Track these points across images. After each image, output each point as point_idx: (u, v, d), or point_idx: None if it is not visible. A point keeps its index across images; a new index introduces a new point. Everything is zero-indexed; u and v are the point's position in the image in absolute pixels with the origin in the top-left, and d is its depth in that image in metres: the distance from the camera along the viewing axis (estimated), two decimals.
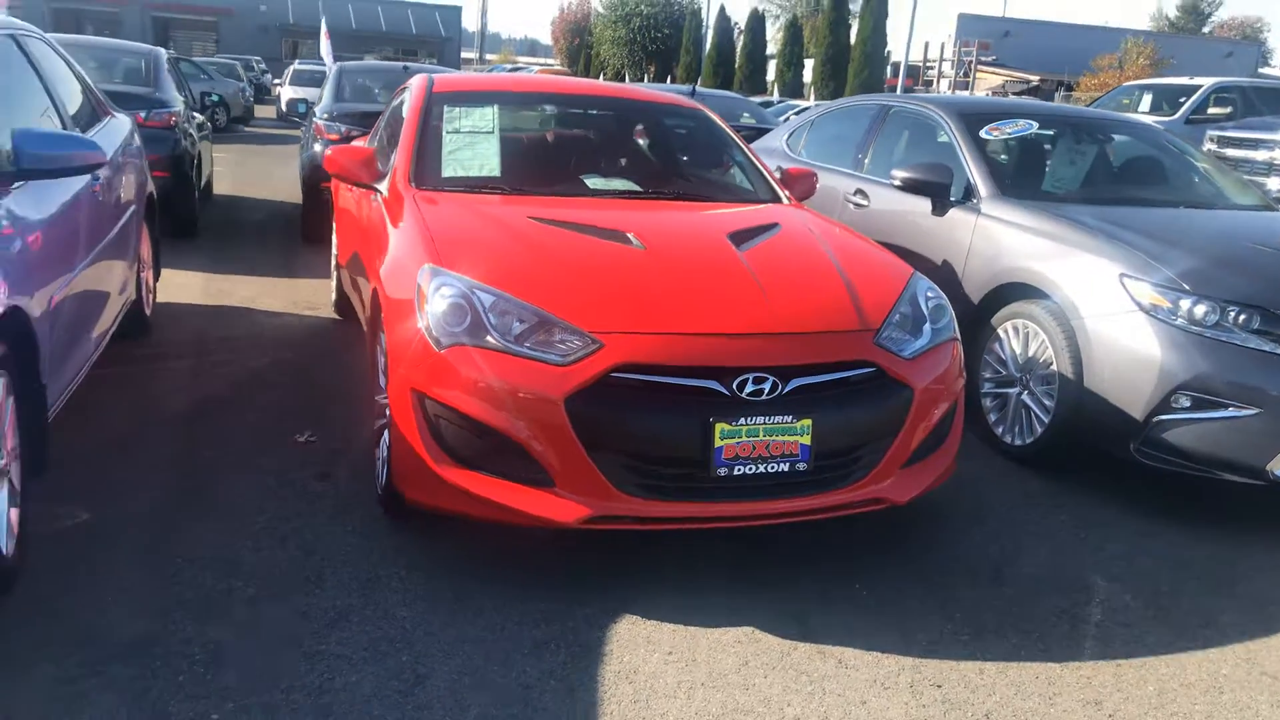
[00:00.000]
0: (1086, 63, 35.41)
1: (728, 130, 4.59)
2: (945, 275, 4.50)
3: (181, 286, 5.92)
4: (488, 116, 4.14)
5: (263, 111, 25.41)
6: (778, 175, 4.36)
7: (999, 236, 4.32)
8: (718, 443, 2.65)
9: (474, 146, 3.99)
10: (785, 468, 2.73)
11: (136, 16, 43.66)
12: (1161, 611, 2.90)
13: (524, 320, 2.73)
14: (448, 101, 4.16)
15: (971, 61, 37.38)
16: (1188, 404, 3.44)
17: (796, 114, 7.49)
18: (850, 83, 33.71)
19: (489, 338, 2.69)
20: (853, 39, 35.74)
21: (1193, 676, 2.58)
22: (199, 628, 2.43)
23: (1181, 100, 13.81)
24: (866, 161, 5.58)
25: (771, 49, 42.39)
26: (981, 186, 4.59)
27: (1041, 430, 3.88)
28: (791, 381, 2.74)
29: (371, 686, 2.27)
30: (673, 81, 35.87)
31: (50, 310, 2.82)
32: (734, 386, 2.68)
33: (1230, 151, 9.88)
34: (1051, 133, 5.37)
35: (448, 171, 3.80)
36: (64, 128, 3.67)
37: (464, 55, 53.18)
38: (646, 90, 5.69)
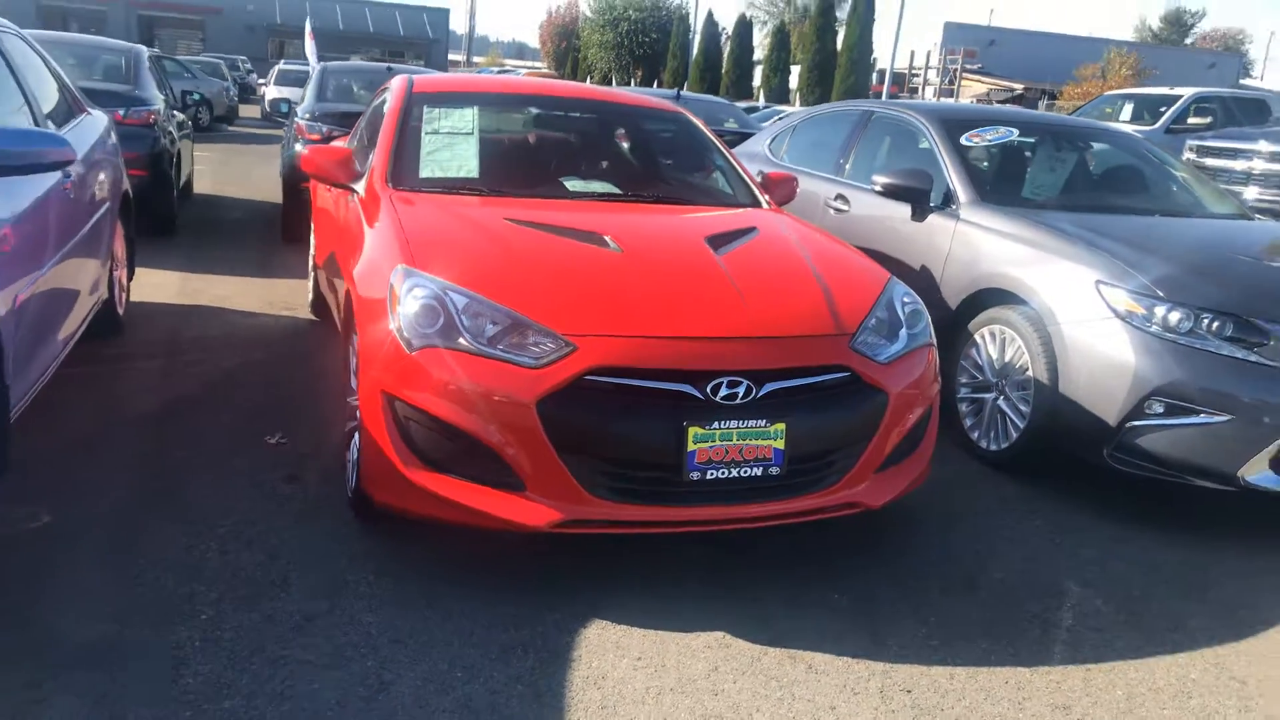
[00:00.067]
0: (1070, 72, 35.66)
1: (709, 134, 4.58)
2: (924, 280, 4.51)
3: (157, 286, 5.87)
4: (467, 118, 4.11)
5: (248, 111, 25.29)
6: (758, 180, 4.36)
7: (977, 242, 4.33)
8: (691, 446, 2.63)
9: (453, 147, 3.96)
10: (758, 472, 2.72)
11: (122, 14, 43.39)
12: (1132, 616, 2.90)
13: (497, 322, 2.71)
14: (427, 102, 4.13)
15: (957, 69, 37.59)
16: (1161, 410, 3.45)
17: (780, 119, 7.49)
18: (836, 89, 33.85)
19: (461, 339, 2.66)
20: (839, 45, 35.89)
21: (1161, 681, 2.59)
22: (160, 632, 2.39)
23: (1162, 110, 13.91)
24: (848, 167, 5.59)
25: (758, 55, 42.50)
26: (961, 192, 4.60)
27: (1017, 435, 3.89)
28: (765, 385, 2.73)
29: (335, 693, 2.24)
30: (659, 86, 35.91)
31: (15, 309, 2.78)
32: (708, 390, 2.67)
33: (1209, 161, 9.95)
34: (1032, 140, 5.39)
35: (425, 172, 3.78)
36: (36, 124, 3.63)
37: (451, 57, 53.07)
38: (628, 94, 5.68)
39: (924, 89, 39.19)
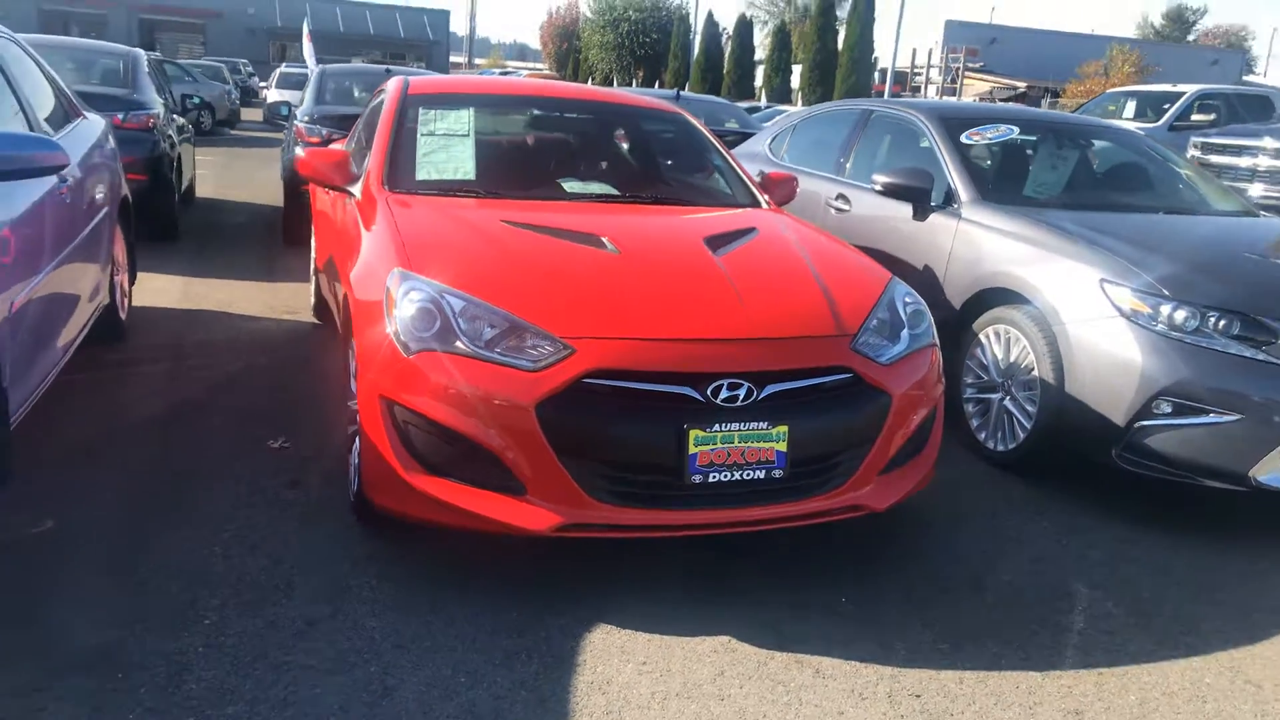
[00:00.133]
0: (1073, 69, 35.58)
1: (708, 135, 4.56)
2: (926, 280, 4.48)
3: (159, 290, 5.85)
4: (463, 119, 4.09)
5: (250, 114, 25.29)
6: (757, 180, 4.33)
7: (980, 241, 4.30)
8: (692, 449, 2.61)
9: (449, 149, 3.94)
10: (761, 475, 2.69)
11: (123, 19, 43.41)
12: (1144, 619, 2.87)
13: (494, 325, 2.69)
14: (423, 104, 4.11)
15: (959, 68, 37.54)
16: (1169, 410, 3.42)
17: (780, 119, 7.48)
18: (838, 88, 33.80)
19: (458, 343, 2.64)
20: (840, 45, 35.85)
21: (1175, 685, 2.56)
22: (163, 638, 2.38)
23: (1165, 107, 13.87)
24: (848, 166, 5.56)
25: (759, 54, 42.47)
26: (962, 191, 4.57)
27: (1023, 436, 3.86)
28: (767, 387, 2.70)
29: (338, 699, 2.22)
30: (661, 86, 35.89)
31: (11, 315, 2.76)
32: (708, 392, 2.64)
33: (1214, 158, 9.93)
34: (1033, 138, 5.36)
35: (422, 174, 3.76)
36: (31, 129, 3.61)
37: (453, 59, 53.09)
38: (626, 94, 5.65)
39: (926, 88, 39.14)
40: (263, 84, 30.54)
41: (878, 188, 4.76)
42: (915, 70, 40.48)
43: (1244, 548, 3.42)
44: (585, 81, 41.45)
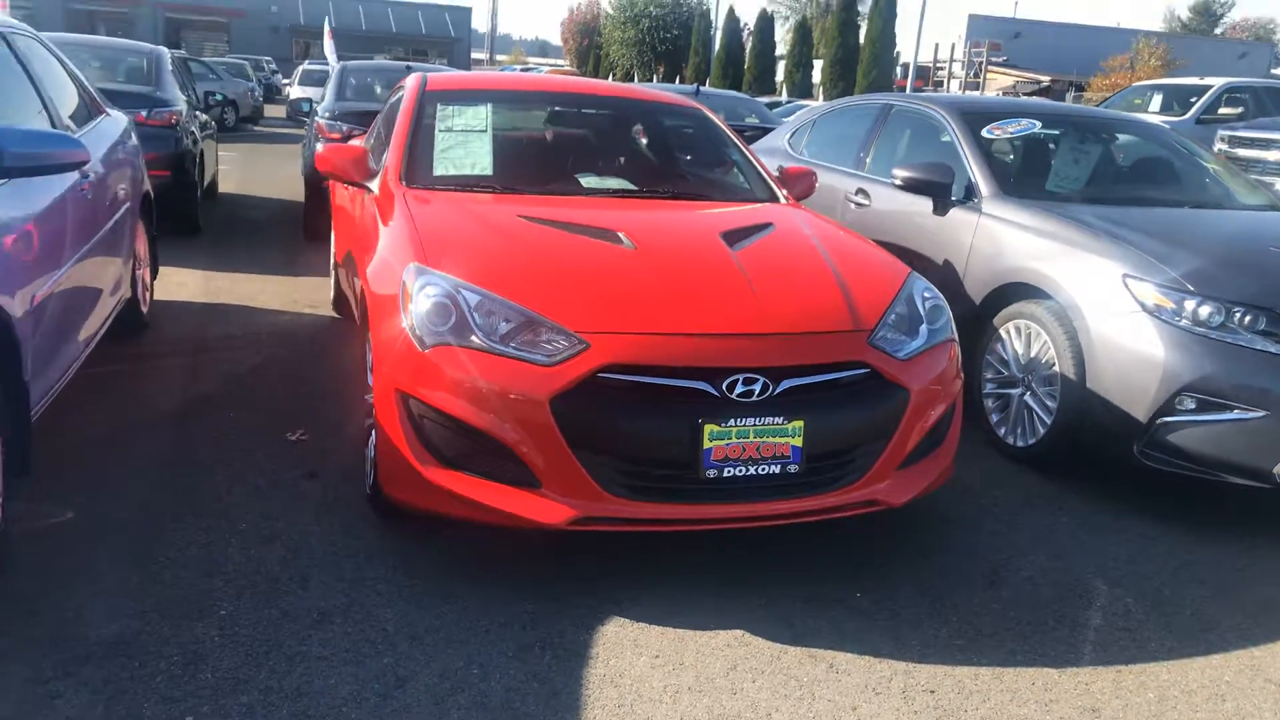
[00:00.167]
0: (1098, 63, 35.22)
1: (726, 130, 4.54)
2: (947, 275, 4.45)
3: (181, 285, 5.91)
4: (481, 115, 4.10)
5: (273, 111, 25.47)
6: (776, 175, 4.31)
7: (1001, 236, 4.26)
8: (707, 444, 2.60)
9: (466, 145, 3.95)
10: (776, 470, 2.68)
11: (149, 17, 43.85)
12: (1163, 616, 2.84)
13: (510, 320, 2.69)
14: (441, 100, 4.12)
15: (982, 62, 37.22)
16: (1192, 406, 3.38)
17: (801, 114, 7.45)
18: (859, 83, 33.61)
19: (474, 338, 2.64)
20: (862, 40, 35.64)
21: (1194, 683, 2.52)
22: (179, 628, 2.40)
23: (1192, 100, 13.69)
24: (868, 161, 5.52)
25: (781, 50, 42.30)
26: (983, 186, 4.53)
27: (1044, 431, 3.82)
28: (783, 382, 2.69)
29: (350, 689, 2.23)
30: (681, 82, 35.80)
31: (33, 309, 2.79)
32: (724, 387, 2.63)
33: (1241, 151, 9.80)
34: (1055, 132, 5.30)
35: (439, 170, 3.77)
36: (53, 126, 3.65)
37: (474, 56, 53.17)
38: (644, 89, 5.64)
39: (949, 82, 38.85)
40: (286, 81, 30.74)
41: (897, 182, 4.73)
42: (937, 65, 40.19)
43: (1267, 545, 3.37)
44: (606, 77, 41.42)
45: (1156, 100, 14.43)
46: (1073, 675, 2.51)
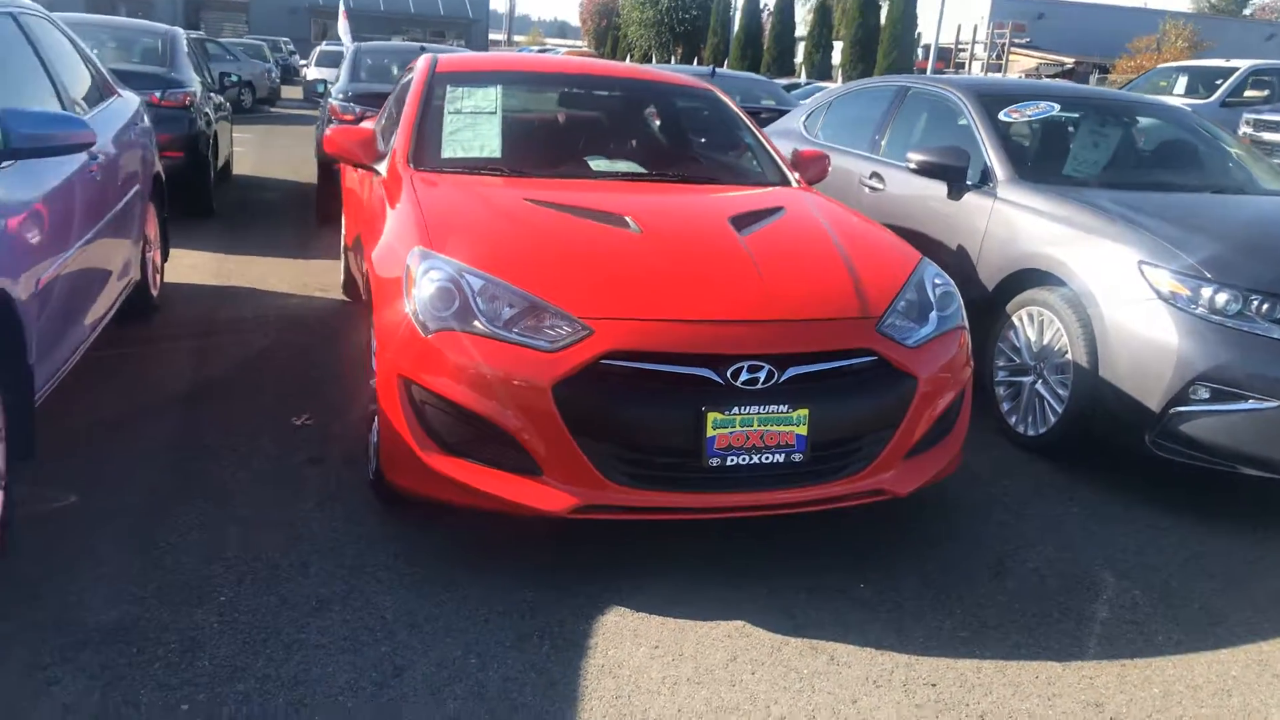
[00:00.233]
0: (1123, 45, 34.68)
1: (738, 112, 4.48)
2: (960, 260, 4.39)
3: (192, 267, 5.92)
4: (491, 97, 4.06)
5: (291, 92, 25.49)
6: (788, 158, 4.26)
7: (1015, 221, 4.20)
8: (710, 432, 2.57)
9: (475, 127, 3.92)
10: (780, 458, 2.65)
11: None
12: (1170, 609, 2.80)
13: (513, 305, 2.67)
14: (450, 81, 4.09)
15: (1005, 44, 36.74)
16: (1206, 395, 3.32)
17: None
18: (879, 65, 33.23)
19: (477, 323, 2.62)
20: (883, 20, 35.24)
21: (1200, 678, 2.49)
22: (178, 614, 2.40)
23: (1218, 83, 13.48)
24: (883, 144, 5.45)
25: (800, 31, 41.90)
26: (999, 170, 4.46)
27: (1055, 420, 3.78)
28: (788, 370, 2.66)
29: (347, 678, 2.22)
30: (699, 64, 35.57)
31: (38, 292, 2.79)
32: (728, 375, 2.60)
33: (1266, 135, 9.66)
34: (1075, 115, 5.21)
35: (447, 152, 3.74)
36: (64, 107, 3.64)
37: (492, 37, 53.01)
38: (656, 71, 5.58)
39: (971, 64, 38.39)
40: (303, 62, 30.74)
41: (912, 166, 4.66)
42: (960, 46, 39.71)
43: (1279, 538, 3.32)
44: (624, 58, 41.18)
45: (1181, 82, 14.22)
46: (1077, 669, 2.48)
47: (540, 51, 34.46)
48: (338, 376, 4.11)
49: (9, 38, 3.41)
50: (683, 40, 47.84)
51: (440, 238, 2.90)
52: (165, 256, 5.18)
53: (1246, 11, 59.57)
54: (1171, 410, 3.37)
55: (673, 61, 40.88)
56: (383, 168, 3.72)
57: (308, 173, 9.91)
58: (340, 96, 7.43)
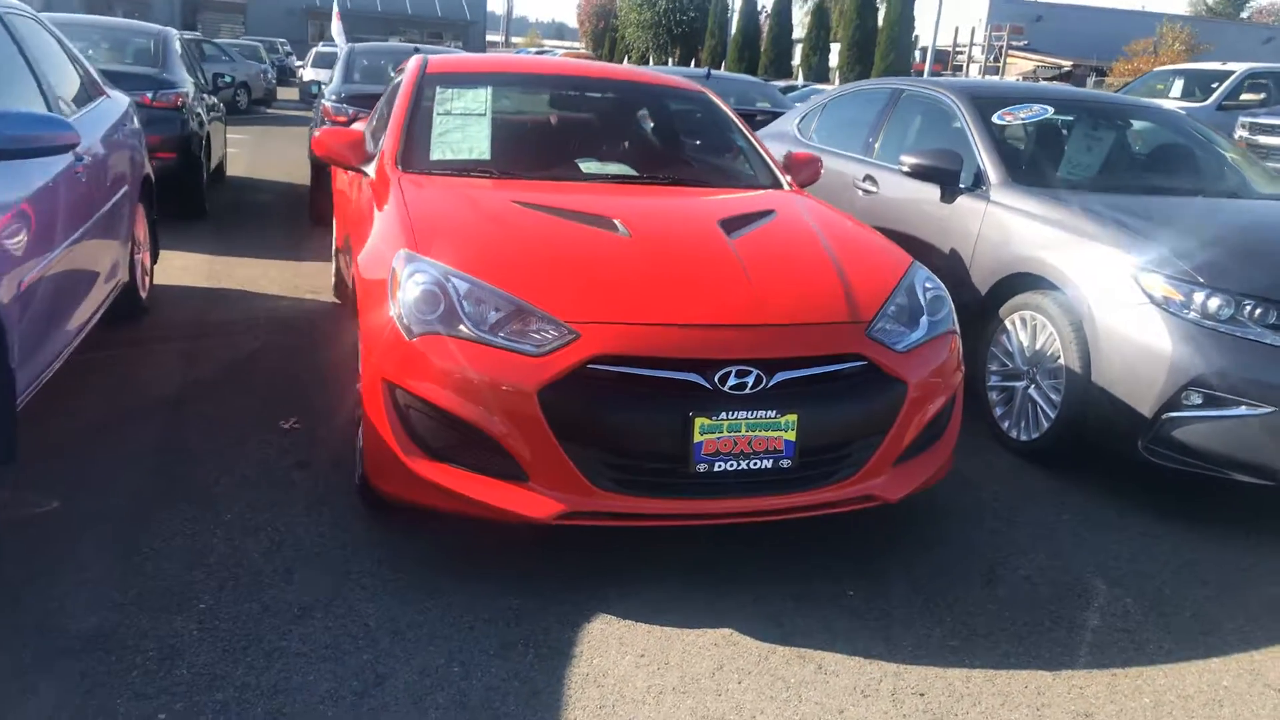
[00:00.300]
0: (1121, 48, 34.72)
1: (730, 114, 4.46)
2: (953, 264, 4.37)
3: (183, 269, 5.89)
4: (481, 98, 4.04)
5: (287, 94, 25.46)
6: (780, 161, 4.23)
7: (1008, 225, 4.18)
8: (697, 438, 2.55)
9: (465, 129, 3.89)
10: (768, 464, 2.62)
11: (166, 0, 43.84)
12: (1162, 617, 2.78)
13: (499, 309, 2.64)
14: (440, 83, 4.06)
15: (1002, 46, 36.76)
16: (1199, 401, 3.30)
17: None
18: (877, 67, 33.27)
19: (462, 326, 2.60)
20: (880, 23, 35.26)
21: (1191, 688, 2.46)
22: (158, 621, 2.37)
23: (1214, 86, 13.49)
24: (877, 147, 5.44)
25: (798, 33, 41.91)
26: (992, 173, 4.44)
27: (1047, 426, 3.75)
28: (776, 375, 2.63)
29: (328, 687, 2.20)
30: (696, 65, 35.55)
31: (20, 294, 2.76)
32: (715, 379, 2.58)
33: (1262, 138, 9.65)
34: (1069, 118, 5.20)
35: (436, 154, 3.72)
36: (50, 108, 3.61)
37: (489, 38, 52.96)
38: (648, 73, 5.56)
39: (968, 67, 38.41)
40: (300, 63, 30.68)
41: (905, 169, 4.65)
42: (957, 49, 39.73)
43: (1272, 544, 3.30)
44: (621, 60, 41.16)
45: (1178, 85, 14.22)
46: (1067, 679, 2.45)
47: (537, 53, 34.45)
48: (327, 380, 4.07)
49: None
50: (680, 42, 47.85)
51: (426, 240, 2.88)
52: (155, 258, 5.15)
53: (1244, 14, 59.65)
54: (1164, 416, 3.35)
55: (670, 63, 40.85)
56: (371, 169, 3.69)
57: (301, 174, 9.87)
58: (333, 98, 7.41)
